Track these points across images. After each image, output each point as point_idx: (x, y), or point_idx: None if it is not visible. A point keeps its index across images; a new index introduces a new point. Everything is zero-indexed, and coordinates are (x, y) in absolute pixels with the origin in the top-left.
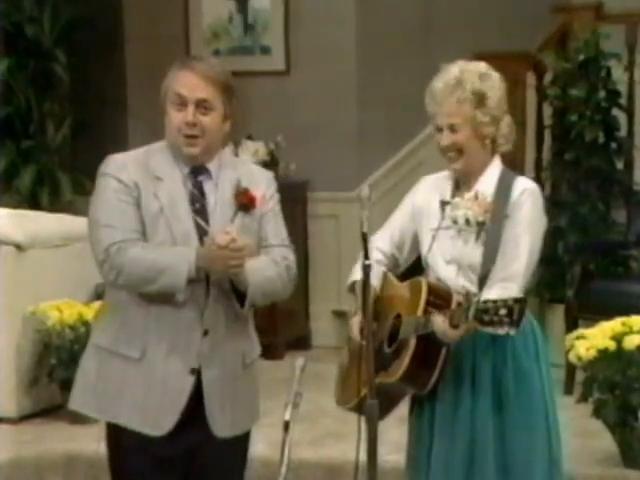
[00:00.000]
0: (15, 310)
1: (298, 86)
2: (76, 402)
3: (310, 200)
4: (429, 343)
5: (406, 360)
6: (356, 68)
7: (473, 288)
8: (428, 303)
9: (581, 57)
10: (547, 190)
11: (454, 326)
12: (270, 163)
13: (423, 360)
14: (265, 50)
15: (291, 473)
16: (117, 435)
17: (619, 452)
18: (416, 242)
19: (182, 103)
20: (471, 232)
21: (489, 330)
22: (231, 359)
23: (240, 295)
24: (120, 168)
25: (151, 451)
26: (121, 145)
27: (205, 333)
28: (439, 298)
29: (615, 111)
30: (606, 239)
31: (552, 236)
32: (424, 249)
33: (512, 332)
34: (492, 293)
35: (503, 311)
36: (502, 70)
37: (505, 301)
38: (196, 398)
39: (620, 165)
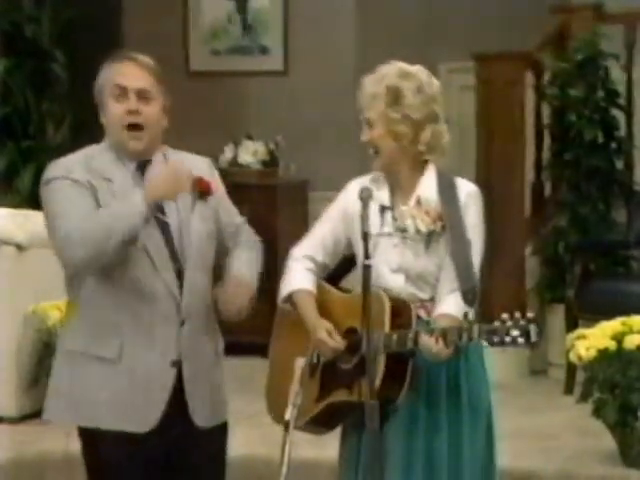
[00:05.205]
0: (15, 310)
1: (297, 86)
2: (50, 412)
3: (310, 200)
4: (397, 357)
5: (379, 377)
6: (355, 68)
7: (424, 296)
8: (392, 318)
9: (580, 57)
10: (547, 190)
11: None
12: (270, 163)
13: (393, 374)
14: (264, 50)
15: (292, 473)
16: (95, 438)
17: (619, 452)
18: (348, 248)
19: (123, 93)
20: (419, 242)
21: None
22: (206, 349)
23: None
24: (69, 169)
25: (132, 450)
26: None
27: (182, 324)
28: (400, 313)
29: (614, 111)
30: (606, 239)
31: (553, 236)
32: (360, 255)
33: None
34: (451, 305)
35: (515, 332)
36: (501, 70)
37: (517, 321)
38: (176, 391)
39: (620, 165)
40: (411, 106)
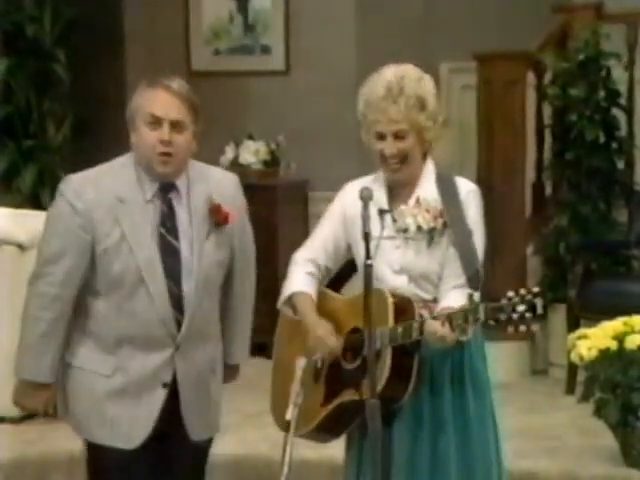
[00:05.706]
0: (17, 310)
1: (299, 86)
2: (60, 412)
3: (311, 200)
4: (402, 352)
5: (385, 374)
6: (356, 68)
7: (427, 297)
8: (395, 315)
9: (581, 57)
10: (548, 190)
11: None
12: (271, 163)
13: (400, 370)
14: (265, 50)
15: (293, 473)
16: (93, 447)
17: (620, 452)
18: (348, 251)
19: (157, 122)
20: (421, 240)
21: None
22: (202, 368)
23: None
24: (79, 192)
25: (126, 462)
26: (121, 144)
27: (177, 348)
28: (404, 310)
29: (615, 111)
30: (607, 239)
31: (554, 236)
32: (360, 258)
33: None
34: (452, 300)
35: (522, 307)
36: (502, 70)
37: (522, 296)
38: (170, 408)
39: (621, 165)
40: (434, 110)
